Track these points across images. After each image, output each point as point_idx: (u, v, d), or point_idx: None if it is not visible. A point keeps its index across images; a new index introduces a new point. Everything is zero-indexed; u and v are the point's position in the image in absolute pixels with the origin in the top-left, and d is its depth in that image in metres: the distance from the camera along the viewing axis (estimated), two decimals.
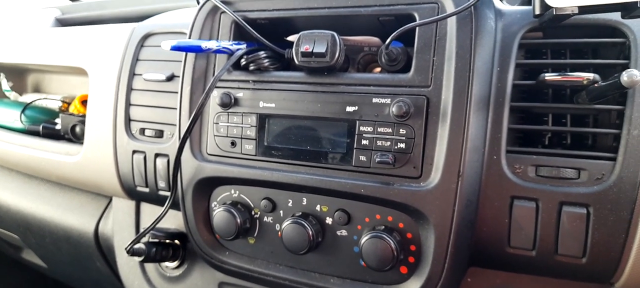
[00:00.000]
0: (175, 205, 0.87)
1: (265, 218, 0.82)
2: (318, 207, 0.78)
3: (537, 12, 0.62)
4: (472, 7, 0.66)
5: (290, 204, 0.80)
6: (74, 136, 1.12)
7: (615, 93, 0.62)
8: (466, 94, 0.66)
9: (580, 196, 0.65)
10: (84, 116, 1.09)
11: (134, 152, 0.96)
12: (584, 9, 0.57)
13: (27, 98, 1.36)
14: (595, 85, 0.62)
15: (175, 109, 0.87)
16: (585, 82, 0.64)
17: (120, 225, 1.08)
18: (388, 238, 0.70)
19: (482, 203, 0.69)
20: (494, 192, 0.69)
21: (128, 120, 0.98)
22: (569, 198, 0.65)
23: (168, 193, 0.93)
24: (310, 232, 0.75)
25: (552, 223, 0.66)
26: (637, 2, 0.55)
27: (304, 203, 0.79)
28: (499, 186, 0.68)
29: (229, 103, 0.81)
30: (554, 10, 0.58)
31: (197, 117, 0.77)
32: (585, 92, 0.64)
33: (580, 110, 0.68)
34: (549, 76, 0.66)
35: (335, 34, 0.72)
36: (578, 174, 0.65)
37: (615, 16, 0.66)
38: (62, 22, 1.58)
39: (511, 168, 0.68)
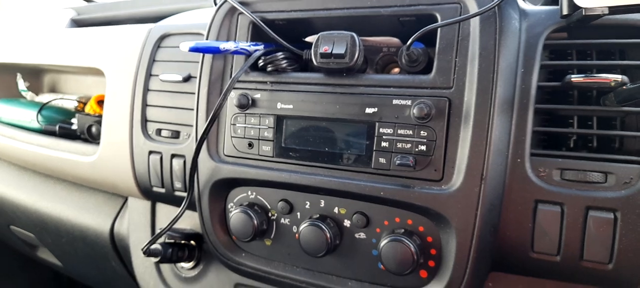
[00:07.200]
0: (191, 206, 0.87)
1: (282, 220, 0.82)
2: (336, 210, 0.77)
3: (565, 12, 0.60)
4: (496, 7, 0.65)
5: (307, 206, 0.79)
6: (90, 136, 1.12)
7: None
8: (490, 96, 0.65)
9: (608, 201, 0.63)
10: (99, 116, 1.09)
11: (151, 152, 0.96)
12: (614, 10, 0.55)
13: (43, 98, 1.37)
14: (624, 87, 0.61)
15: (192, 109, 0.87)
16: (612, 84, 0.62)
17: (135, 225, 1.08)
18: (408, 242, 0.69)
19: (505, 207, 0.68)
20: (518, 195, 0.67)
21: (144, 121, 0.98)
22: (595, 202, 0.64)
23: (184, 194, 0.93)
24: (328, 235, 0.74)
25: (577, 228, 0.65)
26: None
27: (322, 205, 0.78)
28: (523, 190, 0.67)
29: (246, 104, 0.80)
30: (583, 10, 0.56)
31: (215, 118, 0.77)
32: (613, 94, 0.62)
33: (606, 112, 0.66)
34: (575, 78, 0.64)
35: (354, 35, 0.71)
36: (605, 178, 0.64)
37: None
38: (78, 23, 1.58)
39: (535, 171, 0.67)
